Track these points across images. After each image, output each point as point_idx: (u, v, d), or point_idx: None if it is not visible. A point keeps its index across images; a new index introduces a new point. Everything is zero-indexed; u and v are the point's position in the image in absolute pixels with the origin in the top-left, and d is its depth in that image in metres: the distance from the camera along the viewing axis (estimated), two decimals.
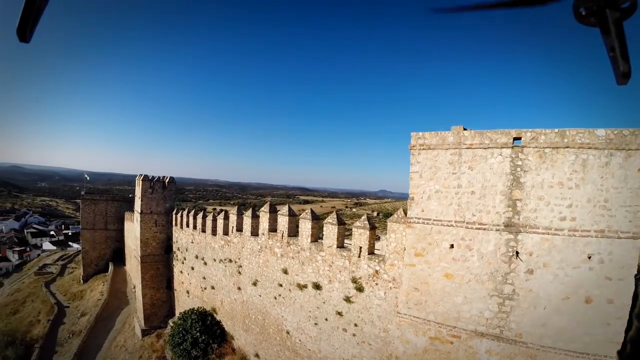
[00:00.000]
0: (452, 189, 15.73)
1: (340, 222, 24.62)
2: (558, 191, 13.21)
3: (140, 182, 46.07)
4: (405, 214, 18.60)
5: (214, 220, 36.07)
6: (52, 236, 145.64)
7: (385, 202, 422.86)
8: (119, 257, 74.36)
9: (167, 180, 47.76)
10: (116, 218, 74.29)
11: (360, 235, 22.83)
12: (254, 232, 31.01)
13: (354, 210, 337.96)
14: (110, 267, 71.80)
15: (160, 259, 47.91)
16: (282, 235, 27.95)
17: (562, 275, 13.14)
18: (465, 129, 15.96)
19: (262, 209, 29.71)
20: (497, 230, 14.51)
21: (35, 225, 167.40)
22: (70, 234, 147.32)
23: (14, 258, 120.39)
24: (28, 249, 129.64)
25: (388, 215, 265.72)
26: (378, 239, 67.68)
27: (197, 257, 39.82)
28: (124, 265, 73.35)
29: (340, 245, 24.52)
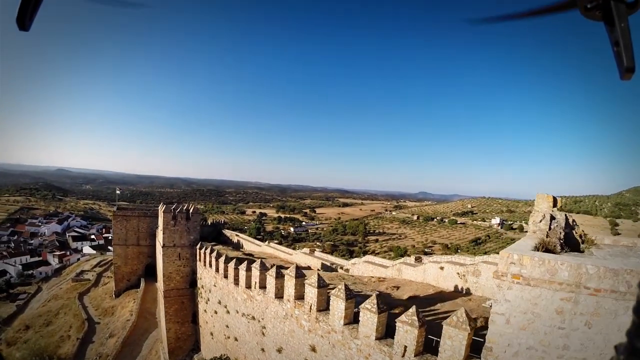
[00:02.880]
0: (553, 349, 10.14)
1: (381, 310, 19.54)
2: None
3: (162, 213, 42.21)
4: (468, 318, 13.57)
5: (236, 269, 31.67)
6: (93, 240, 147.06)
7: (426, 205, 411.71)
8: (151, 272, 71.80)
9: (191, 211, 43.75)
10: (148, 234, 71.64)
11: (405, 333, 17.76)
12: (279, 295, 26.37)
13: (393, 213, 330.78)
14: (142, 284, 69.32)
15: (185, 293, 44.22)
16: (310, 308, 23.17)
17: None
18: (555, 201, 10.82)
19: (288, 271, 25.00)
20: None
21: (76, 229, 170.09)
22: (110, 237, 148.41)
23: (54, 262, 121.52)
24: (68, 252, 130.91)
25: (429, 219, 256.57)
26: (420, 259, 62.48)
27: (219, 302, 35.63)
28: (156, 281, 70.88)
29: (381, 337, 19.48)
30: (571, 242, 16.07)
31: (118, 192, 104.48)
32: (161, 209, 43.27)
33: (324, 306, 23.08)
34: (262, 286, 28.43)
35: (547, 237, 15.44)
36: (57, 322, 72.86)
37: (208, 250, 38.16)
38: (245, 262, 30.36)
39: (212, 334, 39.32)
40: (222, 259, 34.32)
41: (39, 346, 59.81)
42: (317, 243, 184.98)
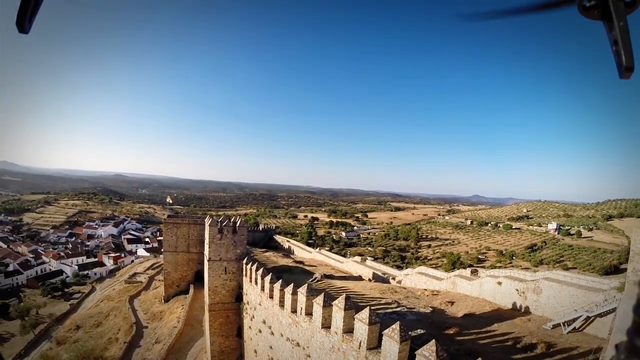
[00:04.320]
0: None
1: None
2: None
3: (208, 227, 41.38)
4: None
5: (282, 290, 29.98)
6: (147, 243, 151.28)
7: (479, 209, 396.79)
8: (200, 279, 72.04)
9: (238, 224, 42.68)
10: (198, 241, 71.91)
11: None
12: (326, 325, 24.35)
13: (446, 218, 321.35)
14: (191, 291, 69.57)
15: (231, 307, 43.22)
16: (360, 345, 20.94)
17: None
18: None
19: (337, 302, 22.92)
20: None
21: (132, 232, 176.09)
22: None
23: (108, 263, 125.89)
24: (123, 254, 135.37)
25: (483, 224, 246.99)
26: (476, 272, 58.59)
27: (264, 322, 34.11)
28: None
29: None
30: None
31: (169, 201, 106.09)
32: (207, 222, 42.55)
33: (374, 344, 20.76)
34: (309, 312, 26.53)
35: None
36: (107, 324, 74.59)
37: (254, 267, 36.73)
38: (292, 285, 28.52)
39: (255, 351, 37.89)
40: (267, 279, 32.74)
41: (86, 348, 60.91)
42: (369, 248, 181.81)
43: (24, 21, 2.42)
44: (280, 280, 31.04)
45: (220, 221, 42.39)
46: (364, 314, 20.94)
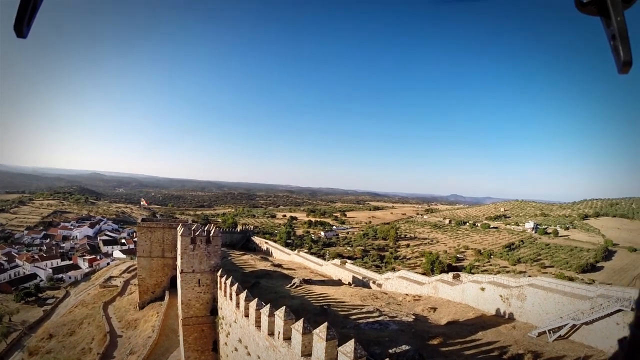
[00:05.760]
0: None
1: None
2: None
3: (180, 237, 38.20)
4: None
5: (258, 310, 27.22)
6: (123, 244, 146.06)
7: (458, 209, 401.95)
8: (176, 285, 68.75)
9: (212, 233, 39.62)
10: (173, 246, 68.31)
11: None
12: (306, 352, 21.75)
13: (425, 217, 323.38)
14: (166, 298, 66.30)
15: (205, 321, 40.31)
16: None
17: None
18: None
19: (318, 331, 20.32)
20: None
21: (108, 233, 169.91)
22: None
23: (84, 266, 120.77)
24: (98, 257, 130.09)
25: (461, 223, 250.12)
26: (458, 276, 56.91)
27: (240, 341, 31.30)
28: None
29: None
30: None
31: (143, 204, 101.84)
32: (179, 231, 39.35)
33: None
34: (287, 337, 23.90)
35: None
36: (81, 333, 71.21)
37: (229, 282, 33.83)
38: (269, 305, 25.83)
39: None
40: (242, 296, 29.88)
41: (58, 359, 57.76)
42: (348, 248, 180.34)
43: (22, 26, 2.42)
44: (256, 299, 28.22)
45: (193, 230, 39.30)
46: (349, 347, 18.48)
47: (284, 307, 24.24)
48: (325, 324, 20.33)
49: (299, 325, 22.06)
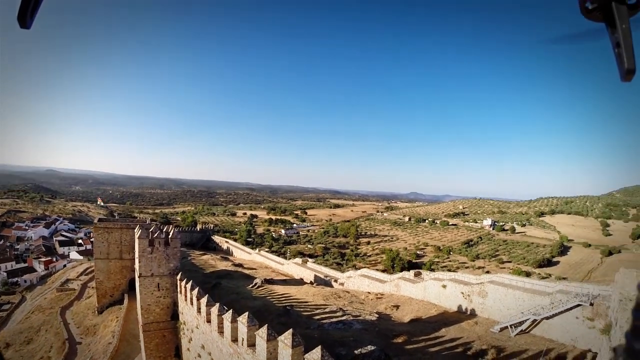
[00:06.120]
0: None
1: None
2: None
3: (137, 239, 36.23)
4: None
5: (220, 316, 25.98)
6: (80, 244, 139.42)
7: (417, 206, 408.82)
8: (135, 287, 66.02)
9: (170, 235, 37.78)
10: (131, 247, 65.43)
11: None
12: (272, 359, 20.82)
13: (385, 215, 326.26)
14: (125, 301, 63.58)
15: (167, 326, 38.55)
16: None
17: None
18: None
19: (283, 338, 19.38)
20: None
21: (64, 233, 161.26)
22: None
23: (39, 268, 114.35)
24: (55, 259, 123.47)
25: (420, 220, 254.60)
26: (419, 274, 57.24)
27: (203, 347, 29.94)
28: None
29: None
30: None
31: (100, 203, 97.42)
32: (137, 233, 37.26)
33: None
34: (251, 344, 22.82)
35: None
36: (39, 340, 67.37)
37: (189, 286, 32.29)
38: (231, 311, 24.62)
39: None
40: (204, 300, 28.51)
41: None
42: (309, 246, 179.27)
43: (26, 16, 2.41)
44: (218, 305, 27.00)
45: (151, 232, 37.33)
46: (316, 354, 17.81)
47: (246, 313, 23.15)
48: (291, 330, 19.43)
49: (263, 331, 21.04)
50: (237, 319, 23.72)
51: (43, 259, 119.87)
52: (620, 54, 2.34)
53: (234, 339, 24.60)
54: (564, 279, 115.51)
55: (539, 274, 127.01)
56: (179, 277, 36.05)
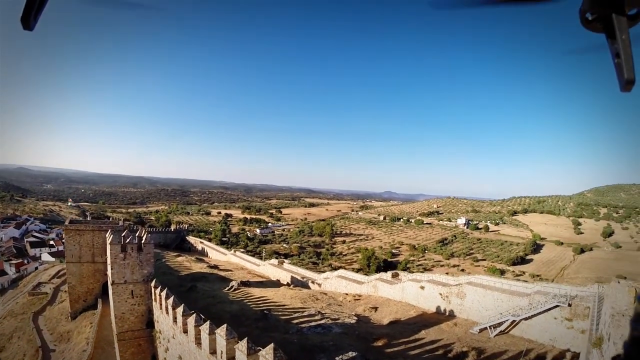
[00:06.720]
0: None
1: None
2: None
3: (109, 245, 34.47)
4: None
5: (197, 327, 24.73)
6: (52, 246, 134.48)
7: (392, 205, 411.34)
8: (109, 291, 63.61)
9: (143, 240, 36.09)
10: (104, 250, 62.46)
11: None
12: None
13: (360, 214, 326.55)
14: (99, 306, 61.04)
15: (142, 334, 37.03)
16: None
17: None
18: None
19: (264, 353, 18.42)
20: None
21: (35, 234, 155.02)
22: None
23: (11, 271, 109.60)
24: (26, 261, 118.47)
25: (395, 219, 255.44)
26: (397, 275, 56.89)
27: (180, 358, 28.65)
28: None
29: None
30: None
31: (70, 203, 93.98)
32: (108, 238, 35.47)
33: None
34: (231, 357, 21.71)
35: None
36: (11, 348, 64.71)
37: (164, 294, 30.87)
38: (208, 322, 23.44)
39: None
40: (179, 310, 27.24)
41: None
42: (284, 245, 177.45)
43: (29, 18, 2.41)
44: (195, 315, 25.76)
45: (124, 236, 35.58)
46: None
47: (225, 326, 22.08)
48: (272, 345, 18.52)
49: (242, 345, 20.02)
50: (215, 331, 22.59)
51: (14, 261, 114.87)
52: (620, 64, 2.32)
53: (212, 351, 23.46)
54: (538, 276, 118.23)
55: (513, 271, 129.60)
56: (153, 283, 34.51)
